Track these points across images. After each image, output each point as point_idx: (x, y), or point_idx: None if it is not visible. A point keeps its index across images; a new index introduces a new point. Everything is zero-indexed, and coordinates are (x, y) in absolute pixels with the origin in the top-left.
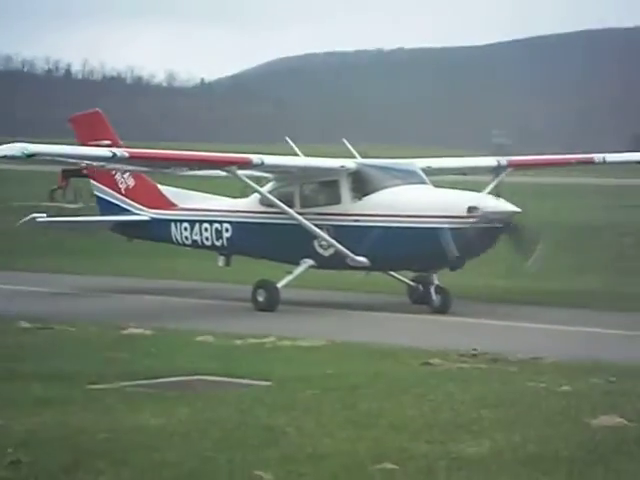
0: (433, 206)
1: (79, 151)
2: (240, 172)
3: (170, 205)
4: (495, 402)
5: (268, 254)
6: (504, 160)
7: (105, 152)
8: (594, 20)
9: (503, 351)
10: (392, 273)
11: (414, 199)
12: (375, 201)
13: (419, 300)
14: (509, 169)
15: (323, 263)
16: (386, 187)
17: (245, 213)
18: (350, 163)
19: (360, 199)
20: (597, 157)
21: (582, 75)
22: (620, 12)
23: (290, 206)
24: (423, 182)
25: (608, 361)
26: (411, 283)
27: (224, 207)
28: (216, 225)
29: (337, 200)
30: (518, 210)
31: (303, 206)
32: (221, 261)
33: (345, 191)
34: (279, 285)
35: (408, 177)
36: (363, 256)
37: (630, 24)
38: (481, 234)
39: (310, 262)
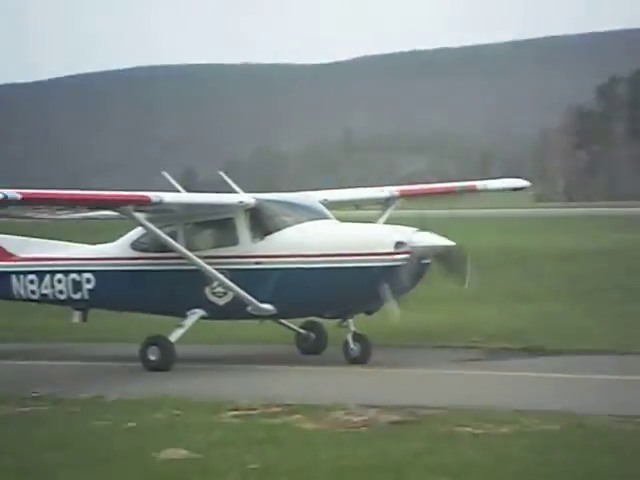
0: (355, 243)
1: None
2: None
3: (6, 256)
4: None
5: (144, 306)
6: (395, 190)
7: None
8: None
9: (66, 391)
10: (282, 320)
11: (330, 236)
12: (281, 240)
13: (310, 349)
14: (399, 199)
15: (217, 313)
16: (291, 224)
17: (113, 260)
18: (248, 198)
19: (262, 238)
20: (479, 185)
21: None
22: None
23: (171, 250)
24: (327, 217)
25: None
26: (301, 331)
27: (84, 255)
28: (73, 276)
29: (234, 241)
30: (452, 244)
31: (190, 249)
32: (77, 317)
33: (243, 230)
34: (173, 341)
35: (312, 212)
36: (268, 303)
37: None
38: (410, 272)
39: (200, 312)
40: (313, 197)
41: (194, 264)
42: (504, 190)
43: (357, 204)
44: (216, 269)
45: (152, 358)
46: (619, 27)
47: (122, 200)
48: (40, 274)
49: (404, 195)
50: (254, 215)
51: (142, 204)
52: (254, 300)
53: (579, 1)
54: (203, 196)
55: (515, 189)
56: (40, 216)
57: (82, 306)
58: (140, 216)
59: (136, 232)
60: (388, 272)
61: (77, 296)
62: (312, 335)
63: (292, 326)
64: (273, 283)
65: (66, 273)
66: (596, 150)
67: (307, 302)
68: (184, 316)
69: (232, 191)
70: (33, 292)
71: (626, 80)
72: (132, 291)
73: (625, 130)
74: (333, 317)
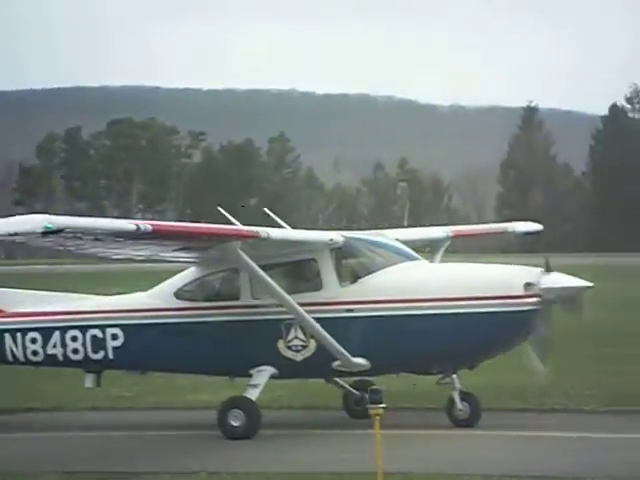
0: (477, 285)
1: (107, 224)
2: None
3: None
4: None
5: (193, 365)
6: (449, 231)
7: (128, 225)
8: None
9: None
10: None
11: (444, 278)
12: (379, 283)
13: (362, 413)
14: (450, 240)
15: (292, 370)
16: (386, 265)
17: (152, 312)
18: (336, 236)
19: (353, 282)
20: (509, 227)
21: None
22: None
23: (231, 297)
24: (416, 258)
25: None
26: (353, 391)
27: (107, 306)
28: (94, 332)
29: (316, 285)
30: (590, 284)
31: (255, 296)
32: (90, 380)
33: (329, 272)
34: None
35: (400, 252)
36: (361, 357)
37: None
38: (537, 318)
39: (270, 370)
40: (389, 236)
41: (295, 314)
42: (529, 234)
43: (418, 244)
44: (290, 319)
45: (235, 424)
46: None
47: (232, 235)
48: (47, 331)
49: (456, 236)
50: (341, 255)
51: (249, 239)
52: (347, 354)
53: None
54: (304, 233)
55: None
56: (104, 253)
57: (100, 368)
58: (244, 255)
59: (180, 279)
60: (516, 318)
61: (97, 356)
62: (365, 395)
63: (344, 384)
64: (369, 333)
65: (83, 329)
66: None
67: (412, 355)
68: (245, 375)
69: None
70: (35, 353)
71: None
72: (177, 348)
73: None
74: (435, 372)
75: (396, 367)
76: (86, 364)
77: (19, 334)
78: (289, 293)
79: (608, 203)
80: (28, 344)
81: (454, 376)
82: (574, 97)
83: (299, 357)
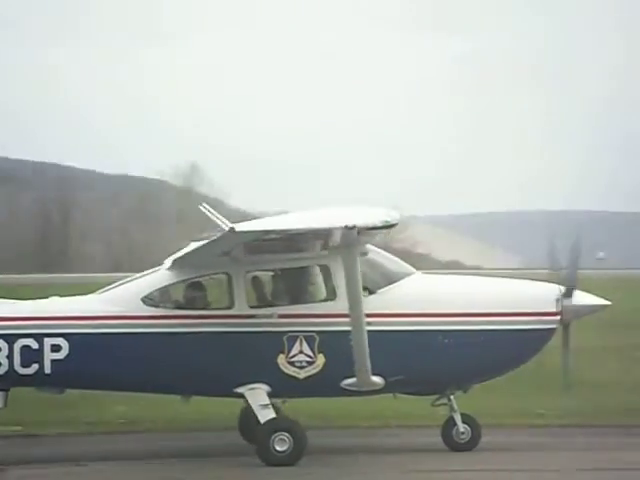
0: (508, 301)
1: None
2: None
3: None
4: None
5: (163, 382)
6: None
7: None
8: None
9: None
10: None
11: (471, 291)
12: (402, 295)
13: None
14: None
15: (292, 389)
16: (408, 275)
17: (111, 320)
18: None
19: (372, 292)
20: None
21: None
22: None
23: (221, 306)
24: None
25: None
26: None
27: (48, 312)
28: (26, 341)
29: (329, 294)
30: (608, 303)
31: (257, 304)
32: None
33: (343, 281)
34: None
35: (401, 265)
36: (376, 375)
37: None
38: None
39: (264, 388)
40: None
41: (355, 325)
42: None
43: None
44: (296, 331)
45: (280, 449)
46: None
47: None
48: None
49: None
50: (362, 262)
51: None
52: (369, 372)
53: None
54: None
55: None
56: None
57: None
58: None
59: (147, 283)
60: (543, 335)
61: (28, 370)
62: None
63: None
64: (389, 350)
65: (11, 338)
66: None
67: (432, 373)
68: (231, 395)
69: None
70: None
71: None
72: (143, 363)
73: None
74: (442, 392)
75: (410, 386)
76: (10, 380)
77: None
78: (295, 302)
79: None
80: None
81: (452, 397)
82: None
83: (302, 374)
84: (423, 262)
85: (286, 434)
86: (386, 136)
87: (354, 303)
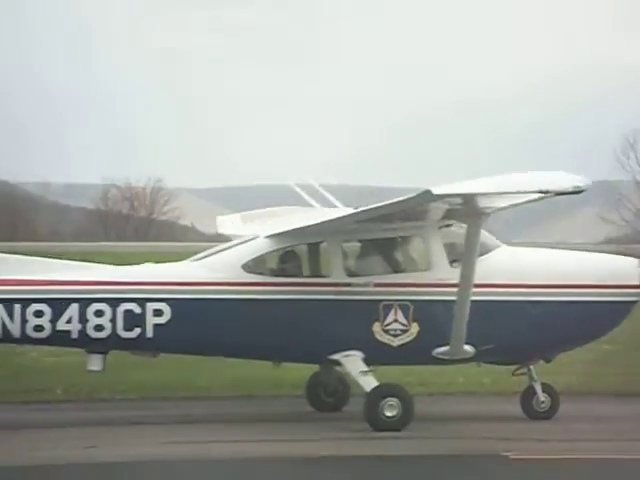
0: (598, 273)
1: None
2: None
3: None
4: None
5: (259, 349)
6: None
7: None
8: None
9: None
10: None
11: (565, 263)
12: (494, 265)
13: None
14: None
15: (385, 356)
16: (498, 245)
17: (210, 286)
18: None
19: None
20: None
21: None
22: None
23: (311, 274)
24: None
25: None
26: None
27: (151, 278)
28: (129, 306)
29: (424, 264)
30: None
31: (349, 274)
32: (96, 363)
33: (438, 251)
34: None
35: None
36: (467, 344)
37: None
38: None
39: (359, 355)
40: None
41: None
42: None
43: None
44: (391, 300)
45: (389, 414)
46: None
47: None
48: (57, 303)
49: None
50: (451, 233)
51: None
52: (462, 341)
53: None
54: None
55: None
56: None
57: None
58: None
59: (247, 250)
60: (627, 308)
61: (130, 334)
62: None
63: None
64: (482, 319)
65: (114, 302)
66: None
67: (520, 342)
68: (324, 362)
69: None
70: (39, 328)
71: None
72: (242, 329)
73: None
74: (514, 362)
75: (497, 356)
76: (111, 344)
77: (17, 306)
78: (388, 272)
79: None
80: (30, 318)
81: (531, 367)
82: None
83: (396, 342)
84: (188, 234)
85: (395, 399)
86: None
87: (467, 272)
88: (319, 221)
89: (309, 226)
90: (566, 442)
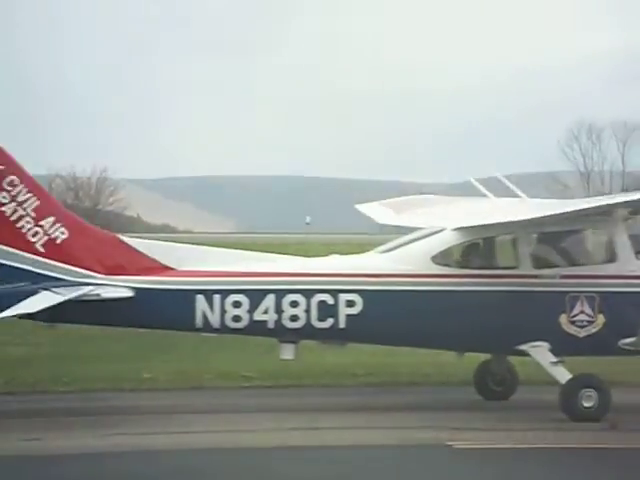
0: None
1: None
2: None
3: (161, 269)
4: None
5: (444, 338)
6: None
7: None
8: None
9: None
10: None
11: None
12: None
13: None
14: None
15: (572, 347)
16: None
17: (401, 278)
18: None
19: None
20: None
21: None
22: None
23: (507, 266)
24: None
25: None
26: None
27: (343, 269)
28: (323, 297)
29: (609, 256)
30: None
31: (541, 265)
32: (289, 352)
33: (624, 243)
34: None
35: None
36: None
37: None
38: None
39: (546, 346)
40: None
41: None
42: None
43: None
44: (578, 291)
45: (587, 405)
46: None
47: None
48: (254, 294)
49: None
50: (635, 225)
51: None
52: None
53: None
54: None
55: None
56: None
57: (334, 338)
58: None
59: (436, 243)
60: None
61: (323, 324)
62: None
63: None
64: None
65: (308, 293)
66: None
67: None
68: (510, 353)
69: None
70: (237, 319)
71: None
72: (431, 320)
73: None
74: None
75: None
76: (308, 334)
77: (217, 296)
78: (575, 264)
79: None
80: (228, 309)
81: None
82: None
83: (582, 333)
84: (134, 225)
85: (592, 390)
86: None
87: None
88: (520, 217)
89: (514, 222)
90: (510, 431)
